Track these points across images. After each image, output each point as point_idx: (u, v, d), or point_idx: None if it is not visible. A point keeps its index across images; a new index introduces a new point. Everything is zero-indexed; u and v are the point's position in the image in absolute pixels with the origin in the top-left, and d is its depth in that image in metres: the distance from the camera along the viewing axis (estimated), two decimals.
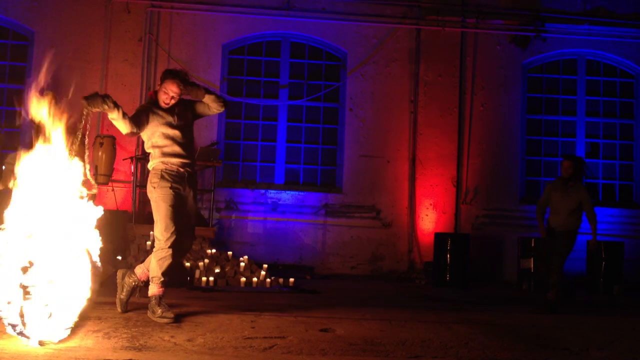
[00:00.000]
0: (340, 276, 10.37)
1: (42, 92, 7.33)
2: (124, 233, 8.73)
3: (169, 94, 5.36)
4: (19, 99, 6.25)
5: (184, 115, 5.51)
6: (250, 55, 11.25)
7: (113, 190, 9.54)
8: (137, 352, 3.95)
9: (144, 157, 10.01)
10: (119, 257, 8.12)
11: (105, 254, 7.95)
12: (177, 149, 5.38)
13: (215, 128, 10.79)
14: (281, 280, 8.29)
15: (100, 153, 9.41)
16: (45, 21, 10.66)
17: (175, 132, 5.39)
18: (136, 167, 9.53)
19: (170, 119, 5.40)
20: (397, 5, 11.02)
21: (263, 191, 10.73)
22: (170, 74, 5.42)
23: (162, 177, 5.32)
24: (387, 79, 11.09)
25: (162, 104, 5.39)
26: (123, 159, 9.91)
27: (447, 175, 10.95)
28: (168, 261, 5.24)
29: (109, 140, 9.54)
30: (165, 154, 5.36)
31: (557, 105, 11.51)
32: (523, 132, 11.32)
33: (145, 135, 5.41)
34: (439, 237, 10.00)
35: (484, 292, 8.94)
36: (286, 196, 10.76)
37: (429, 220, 10.83)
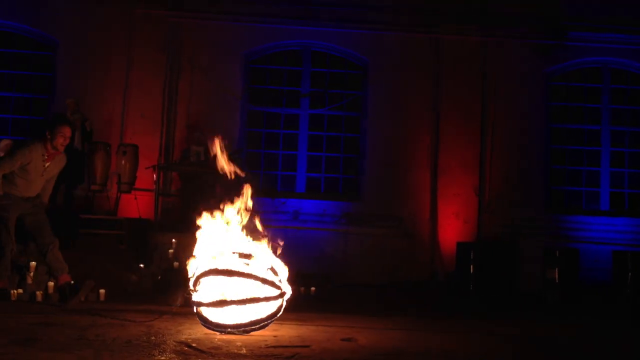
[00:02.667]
0: (361, 285, 10.29)
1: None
2: (146, 241, 8.75)
3: (65, 135, 6.26)
4: None
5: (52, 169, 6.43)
6: (271, 65, 11.29)
7: (136, 198, 9.59)
8: (151, 358, 3.95)
9: (167, 166, 10.08)
10: (142, 265, 8.15)
11: (128, 262, 8.03)
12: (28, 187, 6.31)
13: (237, 137, 10.82)
14: (302, 289, 8.26)
15: (123, 162, 9.52)
16: (68, 31, 10.80)
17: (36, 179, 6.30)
18: (159, 176, 9.58)
19: (41, 168, 6.28)
20: (419, 14, 10.98)
21: (284, 200, 10.73)
22: (59, 122, 6.39)
23: None
24: (409, 87, 11.05)
25: (59, 147, 6.26)
26: (146, 168, 9.96)
27: (469, 184, 10.87)
28: None
29: (132, 148, 9.65)
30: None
31: (581, 114, 11.38)
32: (547, 141, 11.20)
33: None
34: (461, 247, 9.90)
35: (508, 302, 8.83)
36: (307, 205, 10.74)
37: (451, 229, 10.74)
